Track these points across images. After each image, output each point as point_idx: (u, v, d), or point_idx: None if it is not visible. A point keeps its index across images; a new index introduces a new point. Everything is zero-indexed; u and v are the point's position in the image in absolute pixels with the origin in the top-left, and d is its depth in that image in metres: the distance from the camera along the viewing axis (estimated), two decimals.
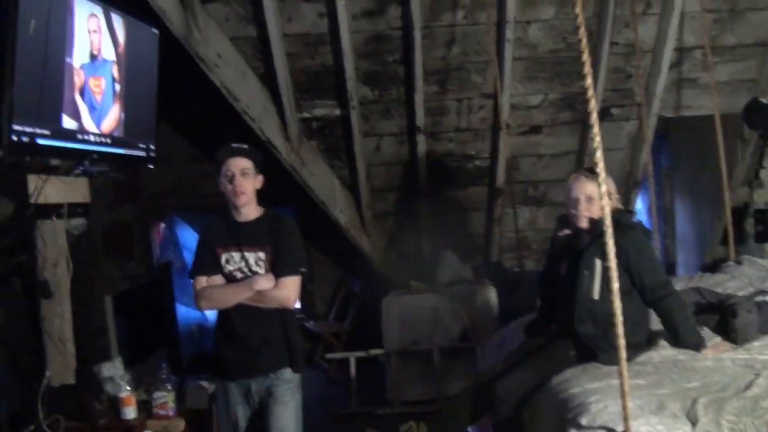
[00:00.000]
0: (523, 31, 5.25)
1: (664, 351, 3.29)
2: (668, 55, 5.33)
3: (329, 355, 6.16)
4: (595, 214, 3.31)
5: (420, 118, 5.51)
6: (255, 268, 3.18)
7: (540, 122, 5.75)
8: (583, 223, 3.39)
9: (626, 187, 5.99)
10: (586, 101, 5.44)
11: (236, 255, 3.19)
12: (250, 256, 3.19)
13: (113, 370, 3.60)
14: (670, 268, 6.61)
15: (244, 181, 3.14)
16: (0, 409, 3.55)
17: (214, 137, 6.85)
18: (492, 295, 5.69)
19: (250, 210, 3.22)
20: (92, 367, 3.62)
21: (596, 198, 3.24)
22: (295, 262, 3.21)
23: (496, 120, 5.56)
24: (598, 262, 3.26)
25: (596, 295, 3.28)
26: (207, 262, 3.22)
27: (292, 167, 5.56)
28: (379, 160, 5.86)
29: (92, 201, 4.05)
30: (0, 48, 2.95)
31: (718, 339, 3.45)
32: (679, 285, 4.29)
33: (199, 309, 3.33)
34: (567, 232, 3.54)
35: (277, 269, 3.16)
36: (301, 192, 5.84)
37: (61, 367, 3.65)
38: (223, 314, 3.26)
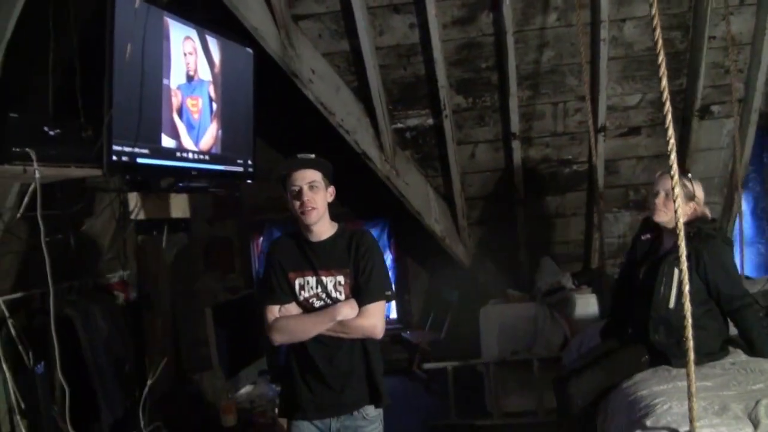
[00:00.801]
0: (618, 30, 5.09)
1: (738, 357, 3.31)
2: None
3: (426, 365, 6.13)
4: (671, 213, 3.28)
5: (515, 124, 5.43)
6: (334, 294, 2.81)
7: (638, 123, 5.56)
8: (658, 218, 3.42)
9: (729, 189, 5.72)
10: (686, 99, 5.27)
11: (312, 280, 2.83)
12: (328, 281, 2.82)
13: (213, 378, 3.69)
14: None
15: (314, 195, 2.77)
16: (104, 416, 3.69)
17: (308, 151, 7.02)
18: (593, 302, 5.55)
19: (322, 228, 2.84)
20: (193, 375, 3.72)
21: (678, 197, 3.20)
22: (380, 286, 2.83)
23: (594, 122, 5.42)
24: (676, 271, 3.23)
25: (672, 305, 3.27)
26: (279, 288, 2.84)
27: (386, 178, 5.57)
28: (474, 168, 5.80)
29: (192, 216, 4.17)
30: (98, 72, 3.08)
31: None
32: (756, 287, 4.34)
33: (273, 343, 2.85)
34: (648, 235, 3.59)
35: (361, 295, 2.80)
36: (396, 202, 5.84)
37: (161, 376, 3.77)
38: (298, 347, 2.85)
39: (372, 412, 2.90)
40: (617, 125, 5.56)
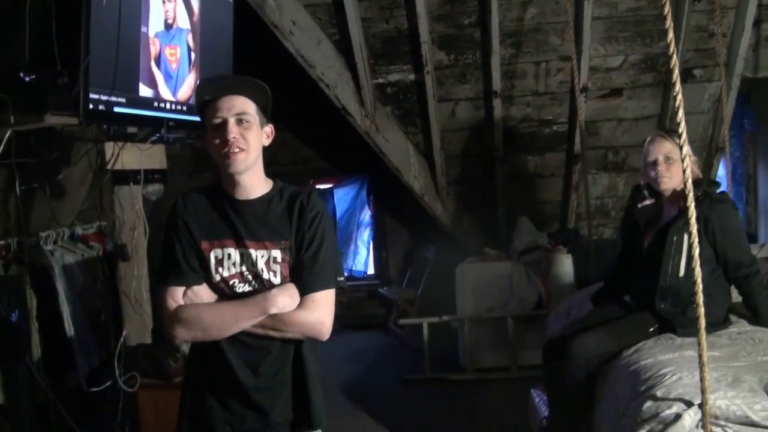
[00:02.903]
0: None
1: (743, 327, 3.20)
2: (752, 12, 5.05)
3: (402, 321, 6.18)
4: (676, 177, 3.14)
5: (496, 82, 5.41)
6: (266, 274, 2.03)
7: (620, 85, 5.57)
8: (665, 185, 3.21)
9: (708, 153, 5.76)
10: (668, 62, 5.24)
11: (234, 253, 2.03)
12: (258, 256, 2.03)
13: None
14: (752, 238, 6.35)
15: (243, 131, 1.99)
16: (80, 366, 3.69)
17: (288, 104, 6.95)
18: (568, 262, 5.63)
19: (253, 181, 2.05)
20: None
21: (676, 158, 3.10)
22: (331, 268, 2.08)
23: (575, 83, 5.41)
24: (685, 238, 3.05)
25: (683, 273, 3.11)
26: (185, 263, 2.02)
27: (366, 134, 5.54)
28: (454, 126, 5.78)
29: (170, 168, 4.13)
30: (75, 19, 3.02)
31: None
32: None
33: (173, 341, 2.05)
34: (648, 202, 3.36)
35: (304, 279, 2.03)
36: (375, 158, 5.83)
37: (138, 326, 3.78)
38: (209, 349, 2.05)
39: None
40: (599, 86, 5.56)
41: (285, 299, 2.00)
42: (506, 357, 5.45)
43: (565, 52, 5.29)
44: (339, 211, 7.16)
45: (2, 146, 2.98)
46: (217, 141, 1.98)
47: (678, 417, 2.42)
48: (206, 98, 2.03)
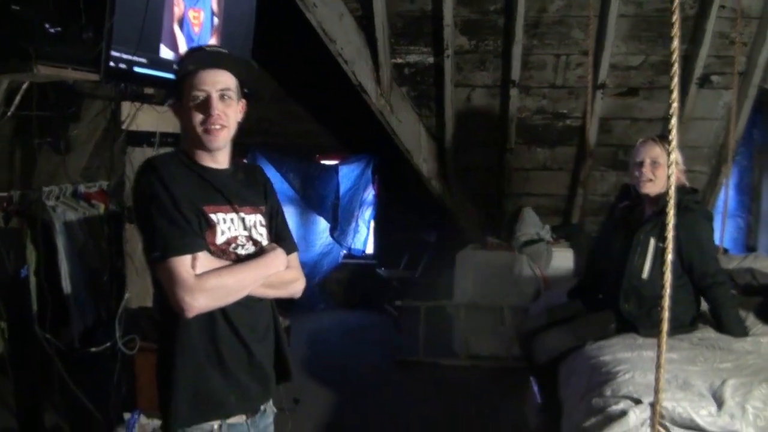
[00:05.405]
0: None
1: (707, 333, 3.25)
2: None
3: (398, 303, 6.17)
4: (660, 180, 3.16)
5: (516, 72, 5.36)
6: (258, 237, 2.07)
7: (638, 84, 5.51)
8: (646, 189, 3.24)
9: (717, 160, 5.73)
10: (687, 66, 5.20)
11: (232, 216, 2.02)
12: (249, 220, 2.06)
13: None
14: (751, 249, 6.33)
15: (226, 108, 2.00)
16: (74, 324, 3.66)
17: (300, 77, 6.89)
18: (569, 257, 5.63)
19: (226, 154, 2.08)
20: None
21: (662, 163, 3.13)
22: (291, 234, 2.22)
23: (594, 79, 5.35)
24: (652, 241, 3.17)
25: (645, 275, 3.20)
26: (190, 228, 1.91)
27: (380, 113, 5.49)
28: (469, 112, 5.73)
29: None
30: None
31: (760, 326, 3.35)
32: (732, 263, 4.30)
33: (192, 311, 1.87)
34: (626, 203, 3.45)
35: (284, 242, 2.13)
36: (383, 138, 5.78)
37: (140, 289, 3.73)
38: (209, 315, 1.95)
39: (270, 404, 2.20)
40: (617, 84, 5.51)
41: (283, 258, 2.07)
42: (501, 346, 5.45)
43: (587, 46, 5.24)
44: (342, 189, 7.12)
45: (19, 97, 2.93)
46: (200, 117, 1.97)
47: (623, 413, 2.46)
48: (191, 68, 1.99)
